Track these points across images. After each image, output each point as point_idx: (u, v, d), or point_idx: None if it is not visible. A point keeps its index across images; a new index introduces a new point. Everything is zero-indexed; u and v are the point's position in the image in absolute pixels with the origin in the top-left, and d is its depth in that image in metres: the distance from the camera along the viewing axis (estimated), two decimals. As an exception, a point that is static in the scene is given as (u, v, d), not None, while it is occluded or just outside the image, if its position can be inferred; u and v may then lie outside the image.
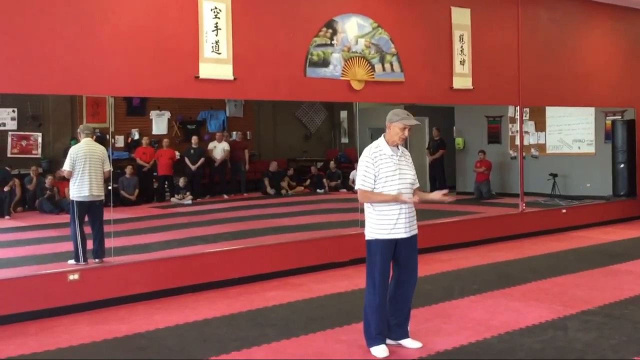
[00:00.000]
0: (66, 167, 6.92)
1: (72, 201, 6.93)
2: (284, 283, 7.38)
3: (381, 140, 4.98)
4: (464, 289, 6.87)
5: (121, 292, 6.62)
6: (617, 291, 6.63)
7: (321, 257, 8.09)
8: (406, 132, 4.93)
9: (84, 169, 6.91)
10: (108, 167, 7.12)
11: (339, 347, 5.09)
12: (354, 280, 7.28)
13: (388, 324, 4.99)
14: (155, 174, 10.78)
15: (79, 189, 6.90)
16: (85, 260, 6.81)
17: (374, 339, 4.91)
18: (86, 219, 7.02)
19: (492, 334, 5.29)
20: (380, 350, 4.86)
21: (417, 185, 5.07)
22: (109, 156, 7.15)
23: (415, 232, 5.00)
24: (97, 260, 6.86)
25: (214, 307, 6.41)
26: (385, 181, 4.84)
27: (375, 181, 4.86)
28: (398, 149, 4.98)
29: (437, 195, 4.99)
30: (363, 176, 4.87)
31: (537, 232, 10.40)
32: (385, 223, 4.85)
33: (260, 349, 5.07)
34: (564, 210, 11.10)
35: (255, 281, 7.44)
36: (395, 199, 4.82)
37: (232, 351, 5.02)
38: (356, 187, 4.93)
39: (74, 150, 6.96)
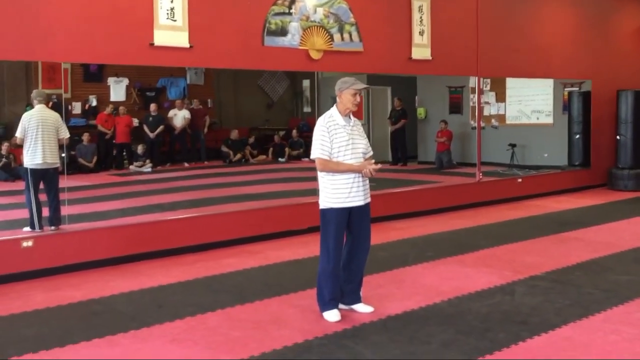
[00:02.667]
0: (18, 134, 6.83)
1: (26, 169, 6.86)
2: (241, 251, 7.44)
3: (334, 111, 5.01)
4: (419, 256, 7.01)
5: (75, 259, 6.61)
6: (565, 258, 6.83)
7: (279, 225, 8.15)
8: (358, 97, 4.99)
9: (37, 136, 6.82)
10: (64, 134, 7.03)
11: (293, 311, 5.18)
12: (311, 247, 7.35)
13: (341, 289, 5.09)
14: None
15: (32, 157, 6.82)
16: (40, 227, 6.77)
17: (327, 304, 5.00)
18: (42, 186, 6.97)
19: (442, 299, 5.43)
20: (332, 315, 4.95)
21: (371, 153, 5.14)
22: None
23: (369, 200, 5.08)
24: (52, 227, 6.83)
25: (169, 274, 6.44)
26: (339, 151, 4.90)
27: (331, 150, 4.91)
28: (350, 119, 5.03)
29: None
30: (320, 145, 4.90)
31: (493, 201, 10.59)
32: (340, 192, 4.91)
33: (215, 314, 5.14)
34: (519, 180, 11.32)
35: (212, 249, 7.48)
36: (360, 169, 4.89)
37: (187, 316, 5.08)
38: (313, 157, 4.95)
39: (26, 117, 6.86)
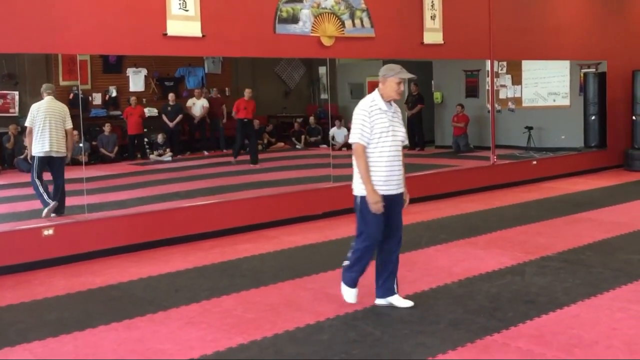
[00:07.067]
0: (26, 123, 7.09)
1: (33, 157, 7.09)
2: (256, 236, 7.58)
3: (376, 95, 4.88)
4: (432, 238, 7.10)
5: (95, 247, 6.79)
6: (577, 238, 6.89)
7: (294, 210, 8.28)
8: (401, 87, 4.85)
9: (44, 126, 7.06)
10: (69, 125, 7.22)
11: (305, 294, 5.31)
12: (325, 232, 7.48)
13: (376, 282, 4.98)
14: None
15: (40, 145, 7.06)
16: (52, 198, 7.00)
17: (350, 281, 4.96)
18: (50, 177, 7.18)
19: (452, 280, 5.52)
20: (350, 294, 4.96)
21: (406, 142, 5.04)
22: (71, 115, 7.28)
23: (402, 190, 4.96)
24: (54, 215, 7.00)
25: (186, 259, 6.60)
26: (380, 137, 4.78)
27: (370, 135, 4.80)
28: (391, 105, 4.90)
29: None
30: (360, 130, 4.78)
31: (508, 183, 10.63)
32: (376, 180, 4.79)
33: (230, 297, 5.28)
34: (534, 162, 11.33)
35: (229, 234, 7.63)
36: (373, 200, 4.72)
37: (202, 300, 5.23)
38: (352, 141, 4.83)
39: (34, 108, 7.12)
